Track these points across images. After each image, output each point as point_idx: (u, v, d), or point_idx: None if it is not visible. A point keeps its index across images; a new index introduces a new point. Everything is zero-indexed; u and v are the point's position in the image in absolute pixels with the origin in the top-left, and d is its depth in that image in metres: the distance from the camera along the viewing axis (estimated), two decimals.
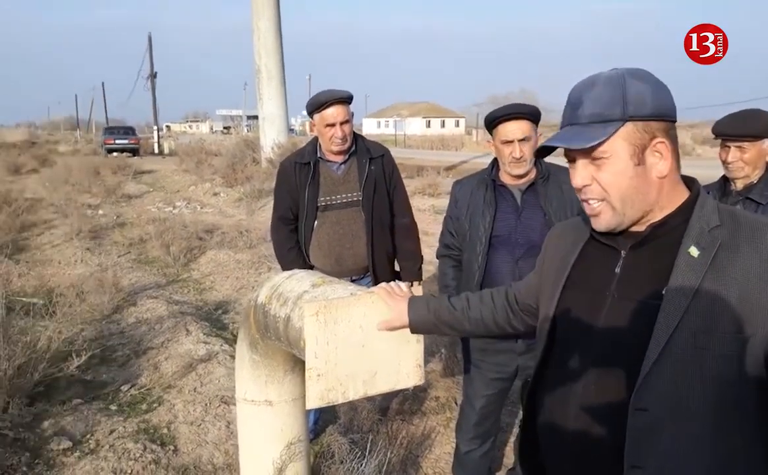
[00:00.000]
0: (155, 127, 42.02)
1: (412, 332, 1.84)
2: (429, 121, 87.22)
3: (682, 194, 1.37)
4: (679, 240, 1.30)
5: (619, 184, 1.31)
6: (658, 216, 1.35)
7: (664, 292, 1.27)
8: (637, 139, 1.30)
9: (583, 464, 1.39)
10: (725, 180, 2.86)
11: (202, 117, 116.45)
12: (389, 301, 1.82)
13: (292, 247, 3.45)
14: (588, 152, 1.32)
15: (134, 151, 33.63)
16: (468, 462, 3.00)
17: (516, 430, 3.78)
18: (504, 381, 2.84)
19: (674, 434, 1.25)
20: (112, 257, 8.85)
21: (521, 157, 2.64)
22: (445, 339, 4.82)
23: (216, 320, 6.15)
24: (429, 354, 4.94)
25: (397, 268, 3.66)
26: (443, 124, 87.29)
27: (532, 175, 2.73)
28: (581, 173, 1.35)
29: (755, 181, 2.75)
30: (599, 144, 1.29)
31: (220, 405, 4.08)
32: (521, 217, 2.70)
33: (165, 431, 3.82)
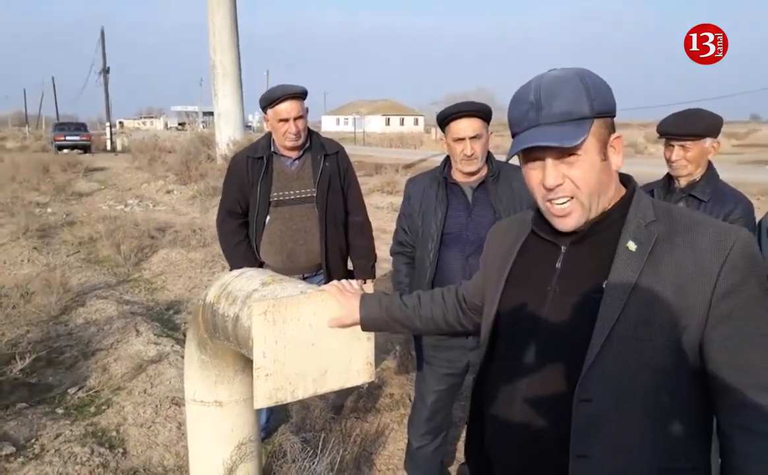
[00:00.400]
0: (108, 124, 41.01)
1: (363, 329, 1.83)
2: (388, 119, 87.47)
3: (620, 191, 1.40)
4: (617, 235, 1.34)
5: (590, 180, 1.32)
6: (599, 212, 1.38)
7: (604, 286, 1.30)
8: (602, 135, 1.32)
9: (529, 457, 1.41)
10: (669, 178, 2.93)
11: (156, 113, 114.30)
12: (340, 298, 1.80)
13: (241, 240, 3.39)
14: (563, 151, 1.30)
15: (86, 148, 32.85)
16: (420, 457, 3.02)
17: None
18: (455, 376, 2.87)
19: (618, 424, 1.28)
20: (60, 256, 8.62)
21: (472, 155, 2.66)
22: (399, 336, 4.83)
23: (167, 320, 6.04)
24: (383, 351, 4.94)
25: (350, 266, 3.65)
26: (402, 122, 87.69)
27: (483, 173, 2.76)
28: (553, 173, 1.32)
29: (698, 179, 2.82)
30: (584, 141, 1.28)
31: (171, 406, 4.00)
32: (472, 215, 2.73)
33: (114, 433, 3.73)
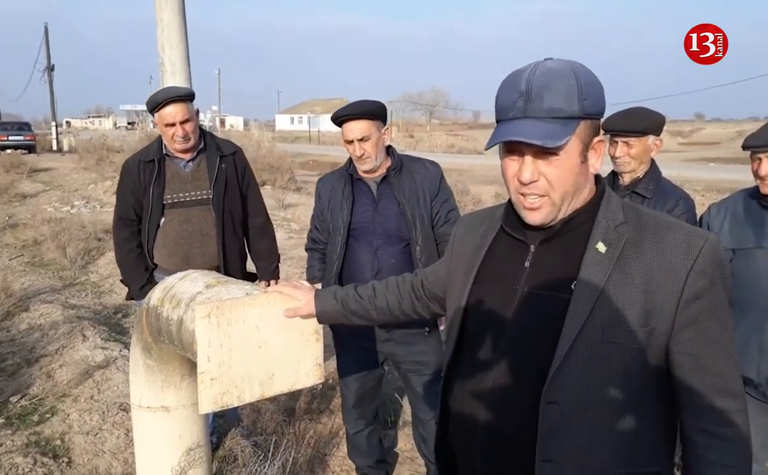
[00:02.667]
0: (53, 123, 39.77)
1: (320, 321, 1.83)
2: None
3: (591, 191, 1.38)
4: (586, 235, 1.32)
5: (565, 181, 1.29)
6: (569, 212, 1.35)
7: (573, 287, 1.28)
8: (586, 137, 1.29)
9: (494, 460, 1.38)
10: (614, 175, 2.99)
11: (105, 112, 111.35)
12: (295, 292, 1.79)
13: (132, 249, 3.33)
14: (544, 148, 1.25)
15: (30, 149, 31.75)
16: (360, 443, 3.11)
17: (404, 417, 3.89)
18: (373, 363, 2.95)
19: (584, 427, 1.27)
20: (2, 260, 8.36)
21: (362, 155, 2.73)
22: None
23: (115, 324, 5.90)
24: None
25: (251, 269, 3.61)
26: None
27: (385, 168, 2.84)
28: (530, 168, 1.28)
29: (641, 176, 2.89)
30: (566, 142, 1.25)
31: (118, 413, 3.90)
32: (378, 209, 2.82)
33: (58, 442, 3.62)
